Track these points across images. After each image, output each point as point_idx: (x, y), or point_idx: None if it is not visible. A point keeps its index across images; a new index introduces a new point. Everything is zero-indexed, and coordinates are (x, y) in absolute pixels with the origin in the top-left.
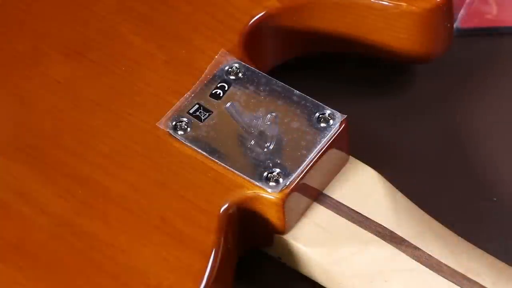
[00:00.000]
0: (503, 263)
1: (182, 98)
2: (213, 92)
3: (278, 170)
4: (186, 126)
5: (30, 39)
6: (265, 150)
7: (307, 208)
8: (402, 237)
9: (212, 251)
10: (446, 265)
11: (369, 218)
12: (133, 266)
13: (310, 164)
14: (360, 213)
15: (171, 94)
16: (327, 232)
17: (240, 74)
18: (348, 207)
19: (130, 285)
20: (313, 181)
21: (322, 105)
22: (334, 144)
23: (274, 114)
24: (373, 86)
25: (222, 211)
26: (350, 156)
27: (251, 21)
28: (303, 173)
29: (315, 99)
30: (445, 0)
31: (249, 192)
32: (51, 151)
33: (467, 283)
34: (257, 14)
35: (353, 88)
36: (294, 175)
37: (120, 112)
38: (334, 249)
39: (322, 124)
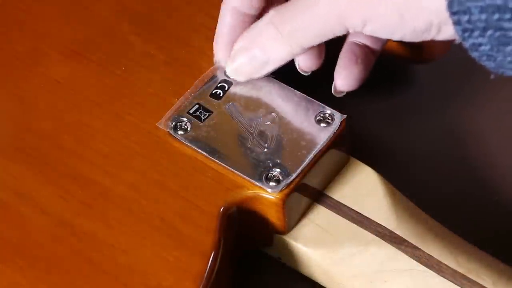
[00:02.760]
0: (503, 263)
1: (182, 98)
2: (213, 92)
3: (278, 170)
4: (186, 126)
5: (30, 39)
6: (265, 150)
7: (307, 208)
8: (402, 237)
9: (211, 252)
10: (446, 265)
11: (369, 218)
12: (133, 266)
13: (310, 164)
14: (360, 213)
15: (171, 94)
16: (327, 232)
17: None
18: (348, 207)
19: (130, 285)
20: (313, 181)
21: (322, 105)
22: (334, 144)
23: (274, 114)
24: (373, 86)
25: (222, 212)
26: (350, 156)
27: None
28: (303, 173)
29: (315, 99)
30: None
31: (249, 192)
32: (51, 151)
33: (467, 283)
34: None
35: None
36: (294, 175)
37: (120, 112)
38: (334, 249)
39: (322, 124)
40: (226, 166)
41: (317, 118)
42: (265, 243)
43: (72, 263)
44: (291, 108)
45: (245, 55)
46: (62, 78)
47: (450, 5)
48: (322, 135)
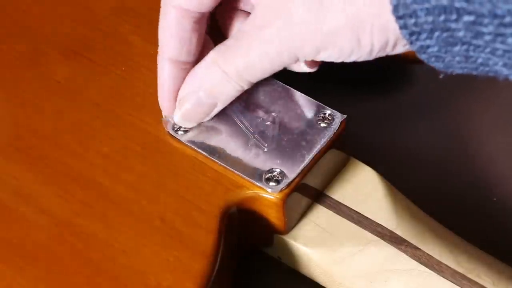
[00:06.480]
0: (503, 263)
1: None
2: None
3: (278, 170)
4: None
5: (30, 39)
6: (265, 150)
7: (307, 208)
8: (402, 237)
9: (211, 252)
10: (446, 265)
11: (369, 218)
12: (133, 266)
13: (310, 164)
14: (360, 213)
15: None
16: (327, 232)
17: None
18: (348, 207)
19: (130, 286)
20: (313, 181)
21: (322, 105)
22: (334, 144)
23: (274, 114)
24: (373, 86)
25: (222, 212)
26: (350, 156)
27: None
28: (303, 173)
29: (315, 99)
30: None
31: (249, 192)
32: (51, 152)
33: (467, 283)
34: None
35: (353, 88)
36: (294, 175)
37: (120, 112)
38: (334, 249)
39: (322, 124)
40: (226, 166)
41: (317, 118)
42: (265, 243)
43: (72, 263)
44: (291, 108)
45: (191, 101)
46: (62, 78)
47: (395, 9)
48: (322, 135)
